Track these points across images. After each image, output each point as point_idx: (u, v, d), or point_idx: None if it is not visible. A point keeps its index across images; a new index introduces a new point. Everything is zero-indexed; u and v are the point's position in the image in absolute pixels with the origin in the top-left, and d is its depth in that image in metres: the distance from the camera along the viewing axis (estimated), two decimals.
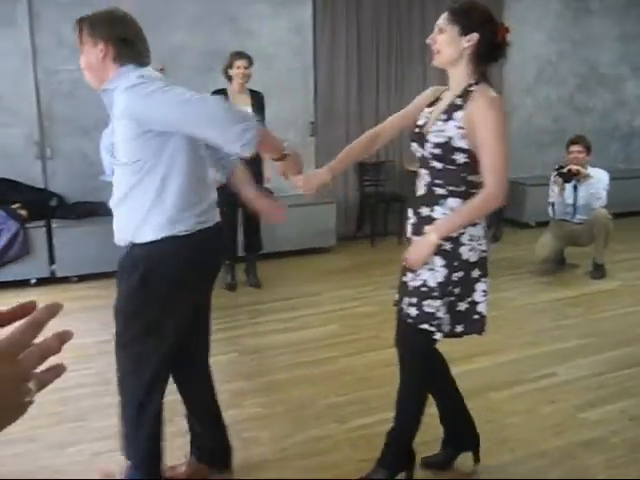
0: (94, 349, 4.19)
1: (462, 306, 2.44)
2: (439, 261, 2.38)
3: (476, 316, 2.46)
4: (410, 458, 2.70)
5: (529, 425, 3.06)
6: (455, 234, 2.36)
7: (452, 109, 2.35)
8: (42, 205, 5.80)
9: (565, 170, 5.49)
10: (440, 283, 2.38)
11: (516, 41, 8.35)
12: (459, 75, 2.38)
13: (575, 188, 5.56)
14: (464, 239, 2.37)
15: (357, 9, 6.85)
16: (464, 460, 2.83)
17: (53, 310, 0.75)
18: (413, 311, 2.45)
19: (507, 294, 5.14)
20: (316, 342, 4.24)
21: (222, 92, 5.15)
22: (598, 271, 5.68)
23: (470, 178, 2.35)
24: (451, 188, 2.37)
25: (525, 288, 5.38)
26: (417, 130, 2.49)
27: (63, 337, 0.76)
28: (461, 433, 2.82)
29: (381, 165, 7.05)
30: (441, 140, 2.34)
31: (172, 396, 2.66)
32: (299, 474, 2.79)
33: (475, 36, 2.30)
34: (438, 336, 2.45)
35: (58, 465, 2.90)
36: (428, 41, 2.42)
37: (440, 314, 2.39)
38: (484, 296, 2.45)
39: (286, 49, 6.72)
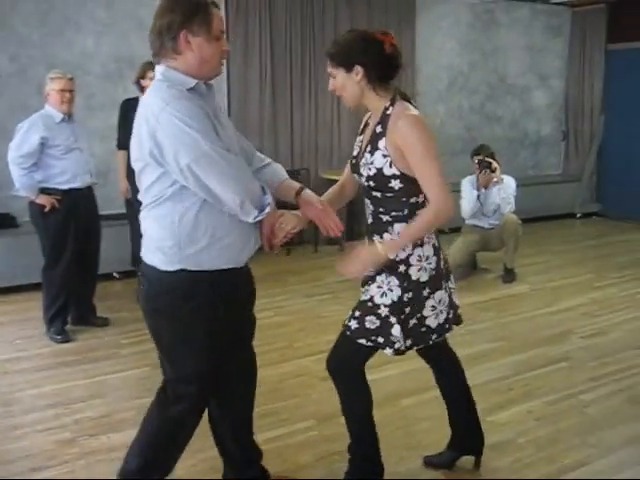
0: None
1: (412, 322, 2.48)
2: (394, 280, 2.42)
3: (424, 329, 2.51)
4: (378, 471, 2.69)
5: (438, 430, 3.09)
6: (404, 256, 2.40)
7: (375, 138, 2.38)
8: None
9: (481, 158, 5.63)
10: (392, 302, 2.43)
11: (428, 50, 8.55)
12: (372, 104, 2.41)
13: (486, 187, 5.68)
14: (412, 260, 2.42)
15: (269, 16, 6.83)
16: (464, 464, 2.89)
17: None
18: (354, 324, 2.48)
19: None
20: None
21: (134, 101, 5.03)
22: (509, 275, 5.85)
23: (411, 200, 2.39)
24: (394, 214, 2.42)
25: None
26: (353, 161, 2.53)
27: None
28: (464, 436, 2.86)
29: (297, 173, 7.04)
30: (372, 172, 2.38)
31: None
32: None
33: (359, 68, 2.32)
34: (389, 352, 2.48)
35: None
36: (330, 88, 2.44)
37: (395, 332, 2.42)
38: (432, 310, 2.49)
39: None
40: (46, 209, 4.34)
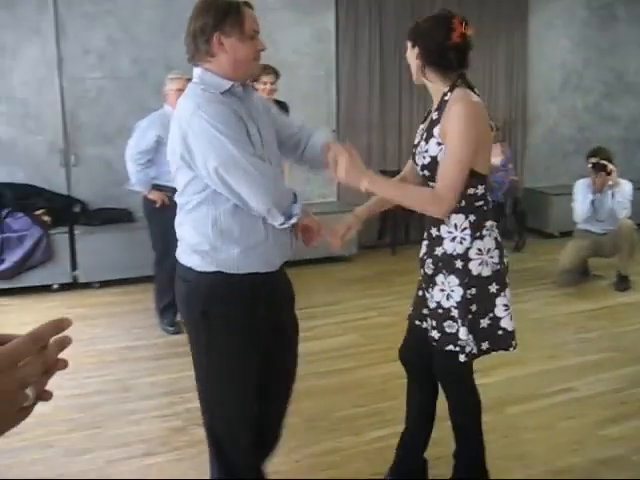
0: (114, 355, 4.24)
1: (484, 322, 2.37)
2: (453, 280, 2.34)
3: (500, 332, 2.38)
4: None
5: (545, 441, 3.02)
6: (461, 250, 2.32)
7: (431, 125, 2.34)
8: (65, 211, 5.87)
9: (595, 161, 5.42)
10: (458, 303, 2.34)
11: (541, 48, 8.31)
12: (433, 87, 2.38)
13: (600, 191, 5.47)
14: (472, 253, 2.32)
15: (380, 17, 6.85)
16: None
17: (59, 325, 0.77)
18: (435, 334, 2.41)
19: (528, 305, 5.09)
20: (333, 352, 4.22)
21: None
22: (622, 283, 5.60)
23: (469, 192, 2.30)
24: None
25: (547, 299, 5.32)
26: (413, 150, 2.49)
27: (62, 343, 0.78)
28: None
29: None
30: (426, 161, 2.33)
31: None
32: None
33: (418, 47, 2.33)
34: (462, 358, 2.37)
35: (73, 473, 2.92)
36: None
37: (462, 335, 2.33)
38: (506, 310, 2.37)
39: (308, 57, 6.74)
40: (157, 204, 4.54)
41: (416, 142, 2.46)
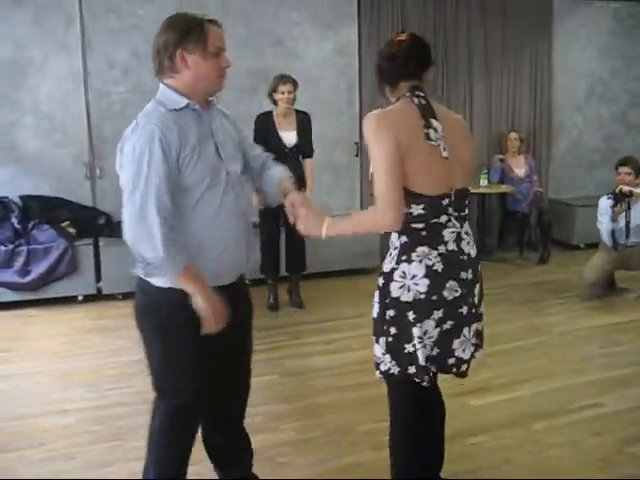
0: (135, 367, 4.23)
1: (409, 348, 2.25)
2: (376, 296, 2.31)
3: (420, 363, 2.27)
4: None
5: (572, 458, 2.96)
6: (388, 269, 2.27)
7: None
8: (90, 223, 5.93)
9: (617, 191, 5.34)
10: (374, 319, 2.32)
11: (566, 58, 8.23)
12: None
13: (628, 208, 5.38)
14: (395, 275, 2.23)
15: (402, 29, 6.84)
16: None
17: None
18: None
19: (553, 319, 5.02)
20: (357, 365, 4.19)
21: (267, 115, 5.20)
22: None
23: (406, 210, 2.21)
24: None
25: (572, 313, 5.24)
26: None
27: None
28: None
29: None
30: (370, 177, 2.28)
31: None
32: None
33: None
34: (377, 374, 2.34)
35: None
36: None
37: (375, 351, 2.31)
38: (420, 343, 2.23)
39: (331, 70, 6.75)
40: None
41: None
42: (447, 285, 2.23)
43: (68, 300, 5.63)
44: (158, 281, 2.17)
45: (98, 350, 4.59)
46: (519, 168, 7.22)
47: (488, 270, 6.34)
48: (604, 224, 5.46)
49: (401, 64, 2.31)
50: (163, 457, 2.41)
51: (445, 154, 2.21)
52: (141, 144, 2.07)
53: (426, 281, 2.21)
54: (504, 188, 6.97)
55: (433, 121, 2.23)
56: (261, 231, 5.35)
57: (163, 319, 2.22)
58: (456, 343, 2.31)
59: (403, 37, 2.35)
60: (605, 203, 5.47)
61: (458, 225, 2.29)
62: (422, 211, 2.20)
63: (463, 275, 2.28)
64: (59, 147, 5.97)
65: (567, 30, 7.72)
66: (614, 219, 5.39)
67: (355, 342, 4.63)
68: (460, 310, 2.29)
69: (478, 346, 2.44)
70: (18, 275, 5.48)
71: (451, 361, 2.33)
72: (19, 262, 5.49)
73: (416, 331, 2.22)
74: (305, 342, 4.69)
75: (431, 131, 2.21)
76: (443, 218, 2.24)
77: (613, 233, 5.42)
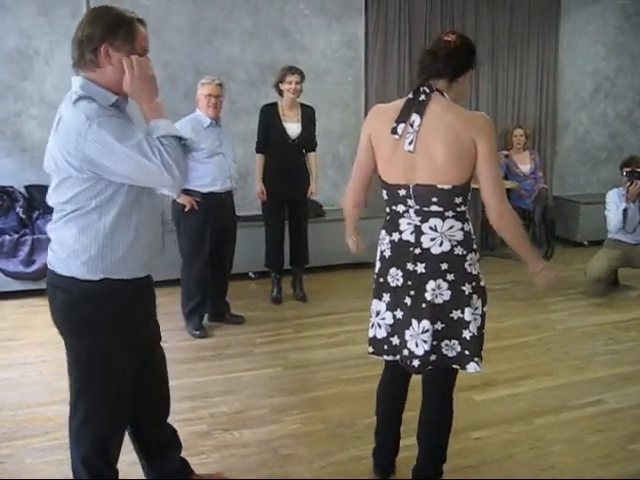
0: None
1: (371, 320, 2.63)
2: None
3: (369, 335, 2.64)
4: None
5: (574, 455, 2.97)
6: None
7: None
8: None
9: (630, 169, 5.31)
10: None
11: (573, 55, 8.18)
12: None
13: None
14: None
15: (409, 24, 6.82)
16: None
17: None
18: None
19: (556, 315, 5.03)
20: (360, 359, 4.19)
21: (272, 106, 5.20)
22: None
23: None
24: None
25: (575, 310, 5.24)
26: None
27: None
28: None
29: None
30: None
31: None
32: None
33: None
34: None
35: None
36: None
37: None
38: (376, 317, 2.56)
39: (338, 63, 6.74)
40: (186, 209, 4.56)
41: None
42: (390, 271, 2.43)
43: None
44: (87, 275, 2.16)
45: None
46: (524, 164, 7.21)
47: (492, 266, 6.42)
48: (612, 212, 5.44)
49: (422, 64, 2.44)
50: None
51: (409, 148, 2.28)
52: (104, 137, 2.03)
53: (378, 264, 2.50)
54: (508, 184, 6.96)
55: (413, 115, 2.30)
56: (265, 225, 5.35)
57: (88, 315, 2.21)
58: (407, 334, 2.40)
59: (438, 39, 2.43)
60: (614, 193, 5.46)
61: (417, 219, 2.35)
62: (386, 197, 2.43)
63: (410, 267, 2.36)
64: None
65: (574, 27, 7.70)
66: (629, 199, 5.34)
67: (358, 335, 4.63)
68: (405, 300, 2.39)
69: (469, 358, 2.39)
70: (23, 265, 5.50)
71: (405, 352, 2.42)
72: (24, 252, 5.50)
73: (373, 306, 2.53)
74: (308, 335, 4.70)
75: (401, 125, 2.30)
76: (400, 207, 2.38)
77: (625, 212, 5.37)
